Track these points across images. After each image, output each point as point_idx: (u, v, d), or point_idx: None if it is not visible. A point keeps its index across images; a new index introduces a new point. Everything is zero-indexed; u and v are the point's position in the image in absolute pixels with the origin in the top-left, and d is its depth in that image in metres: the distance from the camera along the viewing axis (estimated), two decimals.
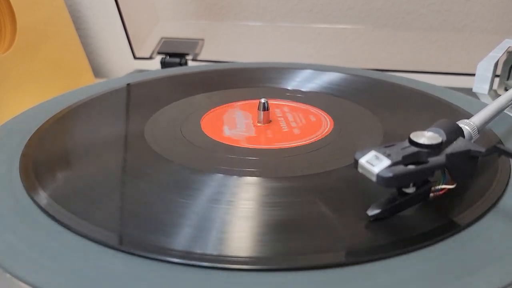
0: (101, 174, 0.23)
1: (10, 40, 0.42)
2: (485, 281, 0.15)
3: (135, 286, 0.15)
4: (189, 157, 0.25)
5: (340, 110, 0.32)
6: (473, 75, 0.32)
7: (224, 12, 0.55)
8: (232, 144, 0.27)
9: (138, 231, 0.18)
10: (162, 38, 0.54)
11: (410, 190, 0.19)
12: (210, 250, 0.17)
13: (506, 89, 0.34)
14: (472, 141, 0.22)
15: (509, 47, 0.32)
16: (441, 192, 0.19)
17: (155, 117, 0.31)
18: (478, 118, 0.23)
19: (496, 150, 0.18)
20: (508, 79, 0.34)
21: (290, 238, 0.18)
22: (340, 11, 0.52)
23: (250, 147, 0.26)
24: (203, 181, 0.22)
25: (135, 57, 0.53)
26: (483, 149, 0.18)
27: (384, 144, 0.18)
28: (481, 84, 0.31)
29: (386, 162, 0.17)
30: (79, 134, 0.29)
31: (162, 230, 0.18)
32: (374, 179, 0.17)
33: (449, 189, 0.19)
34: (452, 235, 0.18)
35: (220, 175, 0.22)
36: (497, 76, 0.34)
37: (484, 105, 0.25)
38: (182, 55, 0.51)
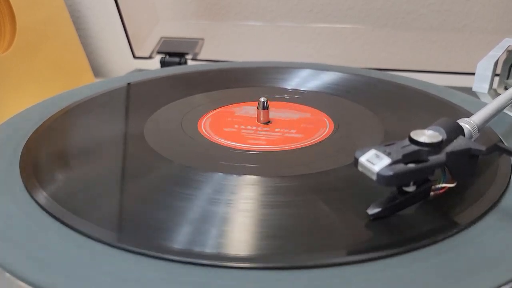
0: (101, 173, 0.23)
1: (10, 40, 0.42)
2: (485, 281, 0.15)
3: (135, 284, 0.15)
4: (189, 157, 0.25)
5: (340, 109, 0.32)
6: (473, 74, 0.32)
7: (224, 12, 0.55)
8: (232, 144, 0.27)
9: (138, 229, 0.18)
10: (161, 38, 0.54)
11: (411, 188, 0.19)
12: (210, 248, 0.17)
13: (506, 88, 0.34)
14: (473, 139, 0.22)
15: (509, 46, 0.32)
16: (441, 191, 0.19)
17: (155, 116, 0.31)
18: (478, 117, 0.23)
19: (497, 149, 0.18)
20: (508, 78, 0.34)
21: (290, 237, 0.18)
22: (340, 11, 0.52)
23: (249, 147, 0.26)
24: (202, 181, 0.22)
25: (134, 57, 0.53)
26: (483, 148, 0.18)
27: (384, 143, 0.18)
28: (481, 83, 0.31)
29: (386, 160, 0.17)
30: (79, 133, 0.28)
31: (162, 228, 0.18)
32: (374, 177, 0.17)
33: (449, 187, 0.19)
34: (453, 234, 0.18)
35: (220, 174, 0.22)
36: (497, 75, 0.34)
37: (484, 104, 0.25)
38: (181, 55, 0.51)
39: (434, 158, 0.18)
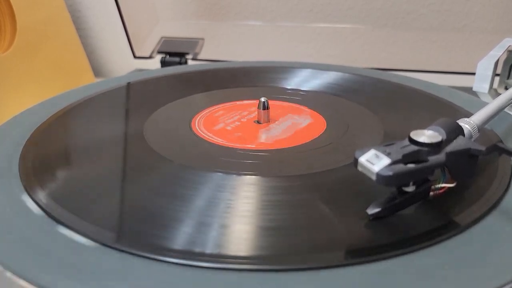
0: (101, 173, 0.23)
1: (10, 40, 0.42)
2: (485, 281, 0.15)
3: (135, 285, 0.15)
4: (189, 156, 0.25)
5: (340, 109, 0.32)
6: (473, 74, 0.32)
7: (224, 12, 0.55)
8: (232, 143, 0.27)
9: (137, 230, 0.18)
10: (162, 38, 0.54)
11: (410, 189, 0.19)
12: (209, 249, 0.17)
13: (506, 88, 0.34)
14: (472, 140, 0.22)
15: (509, 46, 0.32)
16: (441, 191, 0.19)
17: (154, 116, 0.31)
18: (478, 117, 0.23)
19: (496, 149, 0.18)
20: (508, 78, 0.34)
21: (289, 237, 0.18)
22: (340, 11, 0.52)
23: (249, 146, 0.26)
24: (202, 181, 0.22)
25: (134, 56, 0.53)
26: (483, 148, 0.18)
27: (384, 143, 0.18)
28: (481, 83, 0.31)
29: (386, 160, 0.17)
30: (79, 133, 0.28)
31: (162, 229, 0.18)
32: (374, 177, 0.17)
33: (449, 188, 0.19)
34: (453, 234, 0.18)
35: (220, 174, 0.22)
36: (497, 75, 0.34)
37: (484, 104, 0.25)
38: (182, 55, 0.51)
39: (433, 158, 0.18)
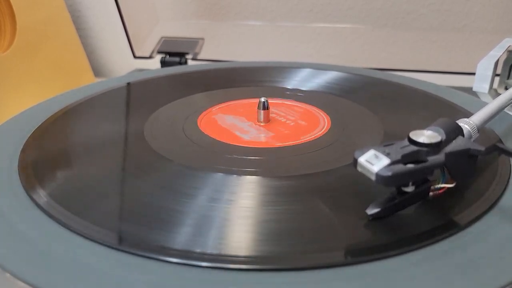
0: (101, 173, 0.23)
1: (10, 40, 0.42)
2: (485, 281, 0.15)
3: (135, 285, 0.15)
4: (189, 156, 0.25)
5: (340, 109, 0.32)
6: (473, 74, 0.32)
7: (224, 12, 0.55)
8: (232, 143, 0.27)
9: (137, 230, 0.18)
10: (162, 38, 0.54)
11: (410, 189, 0.19)
12: (210, 249, 0.17)
13: (506, 88, 0.34)
14: (472, 140, 0.22)
15: (509, 46, 0.32)
16: (440, 191, 0.19)
17: (155, 116, 0.31)
18: (478, 117, 0.23)
19: (496, 149, 0.18)
20: (508, 78, 0.34)
21: (289, 237, 0.18)
22: (340, 11, 0.52)
23: (249, 146, 0.26)
24: (202, 181, 0.22)
25: (134, 56, 0.53)
26: (482, 148, 0.18)
27: (384, 143, 0.18)
28: (481, 83, 0.31)
29: (385, 161, 0.17)
30: (79, 133, 0.28)
31: (162, 229, 0.18)
32: (373, 178, 0.17)
33: (448, 188, 0.19)
34: (452, 234, 0.18)
35: (220, 174, 0.22)
36: (497, 75, 0.34)
37: (484, 104, 0.25)
38: (182, 54, 0.51)
39: (433, 159, 0.18)
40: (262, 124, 0.30)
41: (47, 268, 0.16)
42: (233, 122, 0.30)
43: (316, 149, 0.26)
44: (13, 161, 0.24)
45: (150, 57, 0.53)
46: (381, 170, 0.17)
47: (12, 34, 0.43)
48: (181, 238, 0.17)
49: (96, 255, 0.17)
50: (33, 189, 0.21)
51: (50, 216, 0.19)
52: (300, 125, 0.30)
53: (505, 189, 0.21)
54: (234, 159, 0.25)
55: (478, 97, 0.33)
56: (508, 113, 0.29)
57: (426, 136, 0.18)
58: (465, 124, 0.22)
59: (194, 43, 0.53)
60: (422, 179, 0.19)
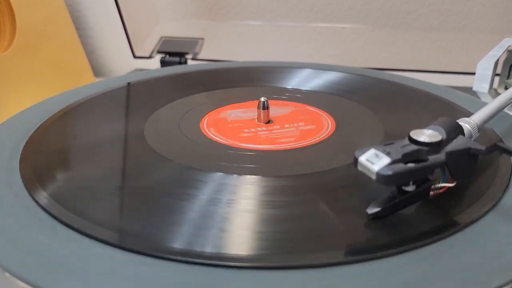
0: (101, 173, 0.23)
1: (10, 40, 0.42)
2: (485, 281, 0.15)
3: (135, 285, 0.15)
4: (189, 156, 0.25)
5: (340, 109, 0.32)
6: (473, 74, 0.32)
7: (224, 12, 0.55)
8: (232, 143, 0.27)
9: (138, 229, 0.18)
10: (162, 37, 0.54)
11: (410, 188, 0.19)
12: (210, 248, 0.17)
13: (506, 88, 0.34)
14: (472, 139, 0.22)
15: (509, 46, 0.32)
16: (441, 191, 0.19)
17: (155, 116, 0.31)
18: (478, 117, 0.23)
19: (496, 149, 0.18)
20: (508, 77, 0.34)
21: (289, 236, 0.18)
22: (340, 11, 0.52)
23: (249, 146, 0.26)
24: (202, 180, 0.22)
25: (134, 56, 0.53)
26: (483, 147, 0.18)
27: (384, 142, 0.18)
28: (481, 83, 0.31)
29: (386, 160, 0.17)
30: (79, 133, 0.28)
31: (162, 228, 0.18)
32: (373, 177, 0.17)
33: (449, 187, 0.19)
34: (453, 234, 0.18)
35: (220, 174, 0.22)
36: (497, 75, 0.34)
37: (484, 104, 0.25)
38: (181, 54, 0.51)
39: (433, 158, 0.18)
40: (262, 124, 0.30)
41: (47, 268, 0.16)
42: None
43: (316, 149, 0.26)
44: (14, 161, 0.24)
45: (150, 57, 0.53)
46: (381, 169, 0.17)
47: (12, 34, 0.43)
48: (181, 238, 0.17)
49: (97, 255, 0.17)
50: (33, 188, 0.21)
51: (51, 215, 0.19)
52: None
53: (506, 188, 0.21)
54: (234, 159, 0.25)
55: (478, 97, 0.33)
56: (508, 113, 0.29)
57: (426, 135, 0.18)
58: (466, 124, 0.22)
59: (194, 43, 0.53)
60: (422, 178, 0.19)
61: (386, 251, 0.16)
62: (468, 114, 0.23)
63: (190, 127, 0.29)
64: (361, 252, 0.17)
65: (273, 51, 0.55)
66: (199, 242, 0.17)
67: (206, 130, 0.29)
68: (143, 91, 0.36)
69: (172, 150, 0.25)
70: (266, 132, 0.29)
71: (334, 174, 0.23)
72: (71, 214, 0.19)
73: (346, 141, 0.27)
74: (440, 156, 0.18)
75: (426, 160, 0.18)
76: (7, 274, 0.16)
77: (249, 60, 0.46)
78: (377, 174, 0.17)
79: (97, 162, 0.24)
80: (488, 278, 0.15)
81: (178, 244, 0.17)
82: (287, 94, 0.36)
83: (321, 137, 0.28)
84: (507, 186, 0.21)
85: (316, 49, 0.55)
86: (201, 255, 0.16)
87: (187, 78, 0.40)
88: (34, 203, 0.20)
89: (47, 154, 0.25)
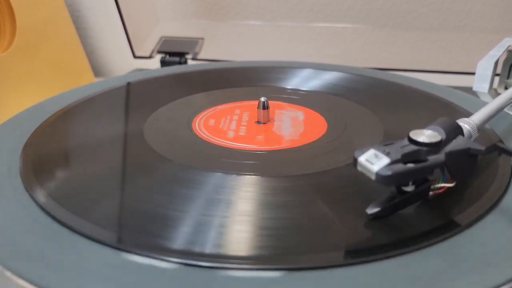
0: (101, 173, 0.23)
1: (10, 40, 0.42)
2: (485, 281, 0.15)
3: (135, 285, 0.15)
4: (189, 156, 0.25)
5: (340, 109, 0.32)
6: (473, 74, 0.32)
7: (224, 12, 0.55)
8: (232, 143, 0.27)
9: (137, 230, 0.18)
10: (162, 37, 0.54)
11: (410, 188, 0.19)
12: (209, 249, 0.17)
13: (506, 88, 0.34)
14: (472, 139, 0.22)
15: (509, 45, 0.32)
16: (440, 191, 0.19)
17: (154, 116, 0.31)
18: (478, 117, 0.23)
19: (496, 149, 0.18)
20: (508, 77, 0.34)
21: (289, 237, 0.18)
22: (340, 11, 0.52)
23: (249, 146, 0.26)
24: (202, 180, 0.22)
25: (134, 56, 0.53)
26: (482, 148, 0.18)
27: (384, 142, 0.18)
28: (481, 83, 0.31)
29: (385, 160, 0.17)
30: (79, 133, 0.28)
31: (162, 229, 0.18)
32: (373, 177, 0.17)
33: (448, 187, 0.19)
34: (453, 234, 0.18)
35: (220, 174, 0.22)
36: (497, 75, 0.34)
37: (484, 104, 0.25)
38: (181, 54, 0.51)
39: (433, 158, 0.18)
40: (262, 124, 0.30)
41: (47, 267, 0.16)
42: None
43: (316, 149, 0.26)
44: (14, 161, 0.24)
45: (150, 57, 0.53)
46: (381, 169, 0.17)
47: (12, 34, 0.43)
48: (180, 238, 0.17)
49: (96, 255, 0.17)
50: (33, 188, 0.21)
51: (50, 215, 0.19)
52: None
53: (506, 189, 0.21)
54: (234, 159, 0.25)
55: (478, 97, 0.33)
56: (508, 113, 0.29)
57: (426, 135, 0.18)
58: (465, 124, 0.22)
59: (194, 43, 0.53)
60: (422, 178, 0.19)
61: (386, 252, 0.16)
62: (468, 114, 0.23)
63: (190, 127, 0.29)
64: (361, 253, 0.17)
65: (273, 51, 0.55)
66: (199, 242, 0.17)
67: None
68: (143, 91, 0.36)
69: (172, 150, 0.25)
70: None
71: (333, 174, 0.23)
72: (70, 214, 0.19)
73: (346, 141, 0.27)
74: (439, 157, 0.18)
75: (425, 160, 0.18)
76: (8, 273, 0.16)
77: (249, 60, 0.46)
78: (377, 174, 0.17)
79: (97, 162, 0.24)
80: (488, 278, 0.15)
81: (177, 244, 0.17)
82: (286, 94, 0.36)
83: (320, 137, 0.28)
84: (507, 186, 0.21)
85: (316, 49, 0.55)
86: (201, 255, 0.16)
87: (187, 78, 0.40)
88: (34, 203, 0.20)
89: (47, 154, 0.25)
